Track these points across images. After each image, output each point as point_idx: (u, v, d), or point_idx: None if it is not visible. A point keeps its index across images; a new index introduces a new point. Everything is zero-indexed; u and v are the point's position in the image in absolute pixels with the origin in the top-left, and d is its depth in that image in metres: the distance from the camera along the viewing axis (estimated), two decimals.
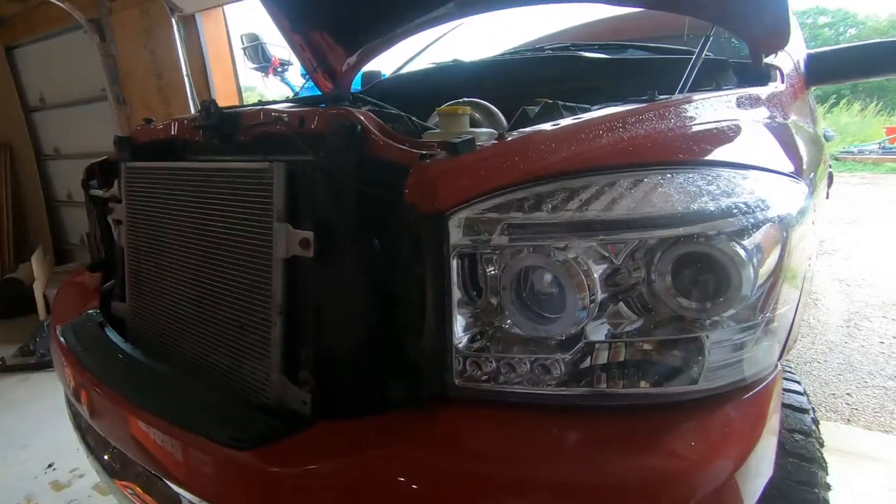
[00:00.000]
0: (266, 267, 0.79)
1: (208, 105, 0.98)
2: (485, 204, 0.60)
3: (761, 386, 0.67)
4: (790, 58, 1.39)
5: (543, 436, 0.60)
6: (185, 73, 3.57)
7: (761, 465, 0.66)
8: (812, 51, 1.59)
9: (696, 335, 0.60)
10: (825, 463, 0.97)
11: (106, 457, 0.98)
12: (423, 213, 0.61)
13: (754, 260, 0.59)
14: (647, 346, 0.61)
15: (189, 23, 3.55)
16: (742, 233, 0.59)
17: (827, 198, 2.19)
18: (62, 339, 1.10)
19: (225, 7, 3.66)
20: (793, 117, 1.20)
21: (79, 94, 4.51)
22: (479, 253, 0.62)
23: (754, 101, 1.05)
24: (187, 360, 0.97)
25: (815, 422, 1.01)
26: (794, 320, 0.71)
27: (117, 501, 1.02)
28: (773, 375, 0.70)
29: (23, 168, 5.11)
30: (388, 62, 2.44)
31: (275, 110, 0.88)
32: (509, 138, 0.67)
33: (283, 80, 6.29)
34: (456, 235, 0.61)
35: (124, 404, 0.84)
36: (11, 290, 4.33)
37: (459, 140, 0.63)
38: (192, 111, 3.65)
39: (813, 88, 1.59)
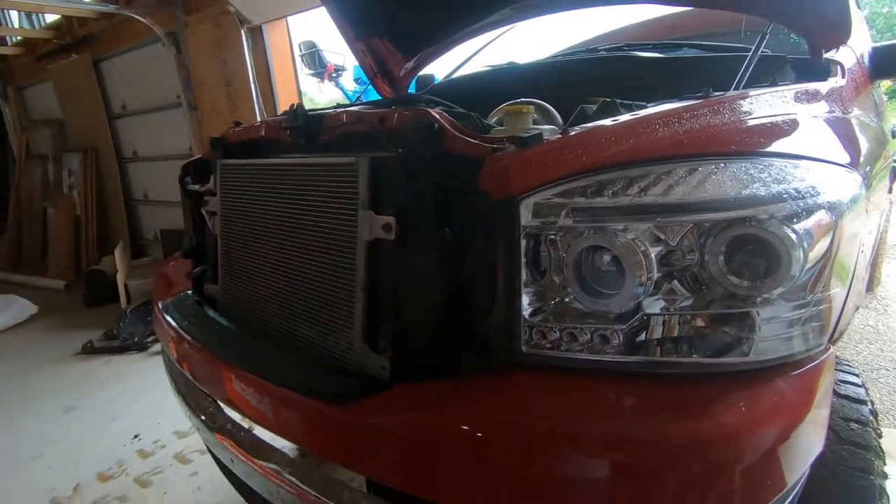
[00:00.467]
0: (351, 249, 0.90)
1: (296, 109, 1.11)
2: (551, 190, 0.68)
3: (811, 365, 0.71)
4: (852, 52, 1.38)
5: (600, 398, 0.67)
6: (251, 80, 3.82)
7: (807, 441, 0.69)
8: (877, 44, 1.56)
9: (747, 310, 0.65)
10: (882, 452, 0.98)
11: (205, 415, 1.12)
12: (497, 199, 0.70)
13: (804, 243, 0.64)
14: (699, 321, 0.67)
15: (256, 34, 3.81)
16: (792, 217, 0.64)
17: (890, 191, 2.10)
18: (166, 314, 1.27)
19: (288, 18, 3.90)
20: (855, 111, 1.20)
21: (156, 101, 4.91)
22: (545, 234, 0.70)
23: (812, 96, 1.07)
24: (275, 332, 1.10)
25: (874, 413, 1.02)
26: (844, 304, 0.74)
27: (214, 454, 1.17)
28: (823, 357, 0.73)
29: (105, 170, 5.60)
30: (440, 66, 2.56)
31: (357, 112, 0.99)
32: (572, 133, 0.75)
33: (338, 84, 6.56)
34: (526, 218, 0.69)
35: (229, 367, 0.97)
36: (96, 280, 4.76)
37: (528, 135, 0.72)
38: (258, 116, 3.90)
39: (878, 83, 1.56)
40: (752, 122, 0.78)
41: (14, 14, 6.63)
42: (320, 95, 7.44)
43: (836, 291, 0.71)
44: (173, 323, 1.22)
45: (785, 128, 0.81)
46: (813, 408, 0.69)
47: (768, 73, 1.27)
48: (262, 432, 0.99)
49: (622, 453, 0.63)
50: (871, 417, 0.99)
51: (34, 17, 6.27)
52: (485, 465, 0.66)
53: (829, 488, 0.95)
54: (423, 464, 0.70)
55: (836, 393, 1.05)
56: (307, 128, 1.08)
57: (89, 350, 3.61)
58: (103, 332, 3.76)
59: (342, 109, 1.06)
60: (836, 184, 0.72)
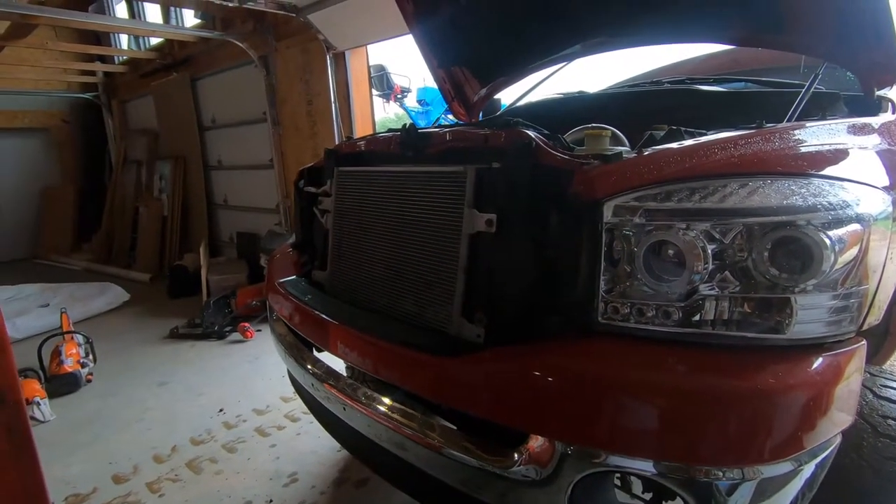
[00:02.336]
0: (455, 239, 1.13)
1: (409, 127, 1.36)
2: (629, 195, 0.88)
3: (840, 350, 0.86)
4: None
5: (662, 358, 0.85)
6: (332, 100, 4.22)
7: (834, 411, 0.84)
8: None
9: (787, 297, 0.82)
10: None
11: (316, 370, 1.36)
12: (585, 201, 0.91)
13: (835, 245, 0.80)
14: (745, 304, 0.84)
15: (339, 59, 4.22)
16: (826, 224, 0.81)
17: None
18: (288, 290, 1.54)
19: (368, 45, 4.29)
20: None
21: (242, 116, 5.45)
22: (621, 229, 0.89)
23: (861, 129, 1.21)
24: (380, 308, 1.33)
25: None
26: (872, 300, 0.89)
27: (319, 410, 1.41)
28: (853, 346, 0.88)
29: (192, 176, 6.20)
30: (506, 93, 2.81)
31: (462, 131, 1.23)
32: (645, 152, 0.95)
33: (402, 105, 6.98)
34: (607, 216, 0.89)
35: (352, 331, 1.22)
36: (179, 274, 5.27)
37: (611, 153, 0.92)
38: (335, 132, 4.28)
39: None
40: (798, 149, 0.96)
41: (123, 37, 7.51)
42: (384, 114, 7.90)
43: (865, 288, 0.86)
44: (295, 298, 1.48)
45: (827, 154, 0.97)
46: (840, 384, 0.84)
47: (820, 108, 1.41)
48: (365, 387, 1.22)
49: (676, 399, 0.81)
50: None
51: (141, 39, 7.09)
52: (568, 403, 0.85)
53: (865, 474, 1.07)
54: (517, 401, 0.90)
55: (875, 394, 1.18)
56: (417, 142, 1.32)
57: (175, 335, 4.04)
58: (187, 321, 4.19)
59: (446, 129, 1.30)
60: (869, 201, 0.87)
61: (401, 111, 7.29)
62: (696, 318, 0.86)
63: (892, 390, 1.17)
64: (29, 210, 7.84)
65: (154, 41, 6.73)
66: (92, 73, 7.66)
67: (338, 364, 1.36)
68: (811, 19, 1.44)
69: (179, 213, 6.19)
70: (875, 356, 1.32)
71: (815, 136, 1.05)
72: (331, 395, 1.29)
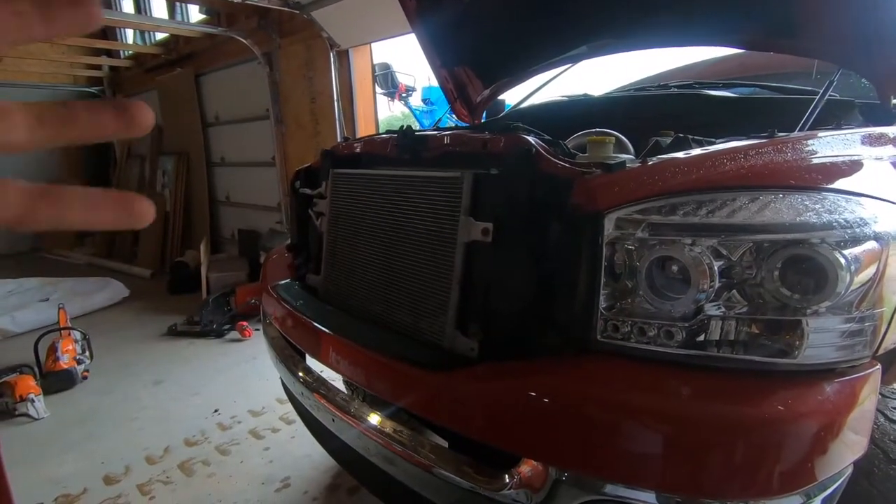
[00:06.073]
0: (450, 248, 1.08)
1: (406, 129, 1.32)
2: (632, 208, 0.83)
3: (855, 375, 0.81)
4: None
5: (663, 382, 0.80)
6: (335, 98, 4.18)
7: (846, 440, 0.79)
8: None
9: (798, 319, 0.77)
10: None
11: (306, 378, 1.32)
12: (585, 212, 0.86)
13: (851, 265, 0.75)
14: (753, 325, 0.79)
15: (343, 57, 4.18)
16: (841, 242, 0.76)
17: None
18: (280, 295, 1.50)
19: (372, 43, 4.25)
20: None
21: (245, 113, 5.42)
22: (623, 243, 0.84)
23: (877, 139, 1.16)
24: (372, 316, 1.29)
25: None
26: (889, 324, 0.83)
27: (309, 417, 1.37)
28: (868, 370, 0.83)
29: (195, 172, 6.18)
30: (510, 93, 2.76)
31: (460, 135, 1.18)
32: (650, 162, 0.90)
33: (406, 104, 6.95)
34: (608, 229, 0.84)
35: (341, 340, 1.17)
36: (180, 271, 5.26)
37: (614, 162, 0.87)
38: (338, 130, 4.25)
39: None
40: (812, 161, 0.90)
41: (129, 32, 7.50)
42: (390, 113, 7.88)
43: (882, 311, 0.81)
44: (288, 304, 1.44)
45: (843, 167, 0.92)
46: (854, 412, 0.79)
47: (835, 116, 1.36)
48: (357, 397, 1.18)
49: (678, 426, 0.76)
50: None
51: (146, 34, 7.07)
52: (563, 426, 0.81)
53: (876, 503, 1.02)
54: (509, 422, 0.86)
55: (887, 417, 1.12)
56: (414, 145, 1.28)
57: (174, 332, 4.01)
58: (186, 318, 4.16)
59: (445, 133, 1.26)
60: (887, 218, 0.82)
61: (407, 110, 7.26)
62: (701, 339, 0.81)
63: None
64: None
65: (159, 36, 6.72)
66: (97, 68, 7.66)
67: (330, 373, 1.32)
68: (826, 23, 1.39)
69: (182, 209, 6.17)
70: (885, 374, 1.27)
71: (830, 146, 1.00)
72: (320, 405, 1.25)
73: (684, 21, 1.78)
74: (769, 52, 1.79)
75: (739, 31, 1.62)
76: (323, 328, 1.24)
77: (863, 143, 1.12)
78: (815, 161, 0.91)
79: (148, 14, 6.74)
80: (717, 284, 0.79)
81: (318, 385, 1.29)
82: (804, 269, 0.77)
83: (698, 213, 0.80)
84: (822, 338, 0.78)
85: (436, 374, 0.96)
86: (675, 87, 1.87)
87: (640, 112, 1.77)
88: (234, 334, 3.89)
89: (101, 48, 7.27)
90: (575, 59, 2.22)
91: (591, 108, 1.93)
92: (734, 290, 0.81)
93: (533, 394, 0.83)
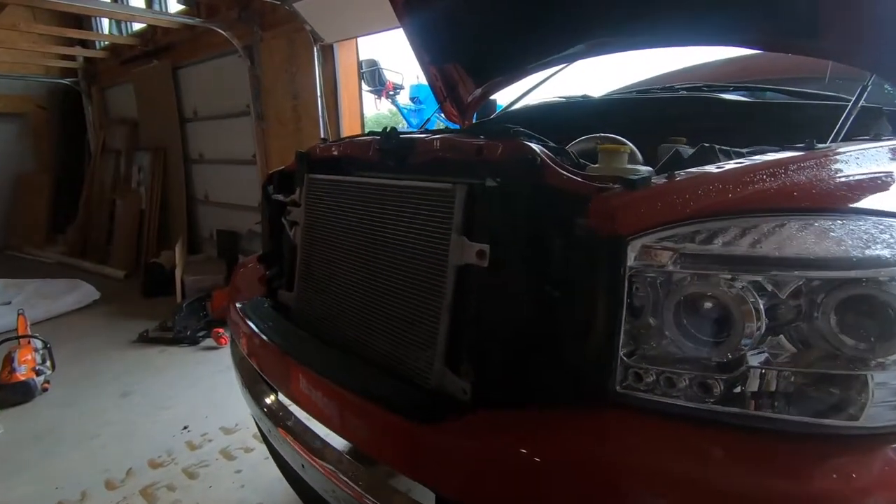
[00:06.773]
0: (440, 271, 0.93)
1: (390, 131, 1.16)
2: (661, 234, 0.69)
3: None
4: None
5: (696, 445, 0.66)
6: (318, 95, 3.99)
7: None
8: None
9: (860, 373, 0.63)
10: None
11: (271, 412, 1.16)
12: (603, 237, 0.71)
13: None
14: (806, 379, 0.66)
15: (327, 52, 3.99)
16: None
17: None
18: (245, 316, 1.33)
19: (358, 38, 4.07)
20: None
21: (225, 109, 5.19)
22: (648, 276, 0.70)
23: None
24: (349, 342, 1.13)
25: None
26: None
27: (274, 447, 1.21)
28: None
29: (172, 169, 5.93)
30: (502, 93, 2.62)
31: (452, 140, 1.03)
32: (678, 177, 0.76)
33: (394, 102, 6.78)
34: (631, 259, 0.70)
35: (306, 371, 1.01)
36: (155, 273, 5.01)
37: (637, 177, 0.73)
38: (321, 129, 4.06)
39: None
40: (867, 179, 0.77)
41: (105, 21, 7.19)
42: (375, 111, 7.71)
43: None
44: (252, 326, 1.28)
45: None
46: None
47: (864, 125, 1.24)
48: (326, 433, 1.02)
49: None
50: None
51: (122, 24, 6.78)
52: (578, 497, 0.66)
53: None
54: (510, 493, 0.71)
55: None
56: (399, 150, 1.12)
57: (145, 339, 3.79)
58: (158, 323, 3.94)
59: (435, 136, 1.10)
60: None
61: (395, 108, 7.09)
62: (741, 393, 0.67)
63: None
64: (1, 199, 7.50)
65: (136, 27, 6.44)
66: (71, 59, 7.33)
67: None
68: (854, 25, 1.27)
69: (158, 207, 5.91)
70: None
71: (878, 161, 0.87)
72: (287, 444, 1.09)
73: (691, 18, 1.65)
74: (782, 54, 1.67)
75: (754, 30, 1.49)
76: (289, 356, 1.08)
77: None
78: (871, 179, 0.77)
79: (125, 3, 6.45)
80: (763, 328, 0.66)
81: (285, 418, 1.13)
82: (868, 312, 0.64)
83: (742, 241, 0.66)
84: (889, 395, 0.64)
85: (419, 427, 0.80)
86: (682, 89, 1.74)
87: (643, 115, 1.63)
88: (210, 341, 3.69)
89: (75, 38, 6.95)
90: (572, 59, 2.08)
91: (589, 111, 1.80)
92: (781, 335, 0.67)
93: (540, 460, 0.68)
